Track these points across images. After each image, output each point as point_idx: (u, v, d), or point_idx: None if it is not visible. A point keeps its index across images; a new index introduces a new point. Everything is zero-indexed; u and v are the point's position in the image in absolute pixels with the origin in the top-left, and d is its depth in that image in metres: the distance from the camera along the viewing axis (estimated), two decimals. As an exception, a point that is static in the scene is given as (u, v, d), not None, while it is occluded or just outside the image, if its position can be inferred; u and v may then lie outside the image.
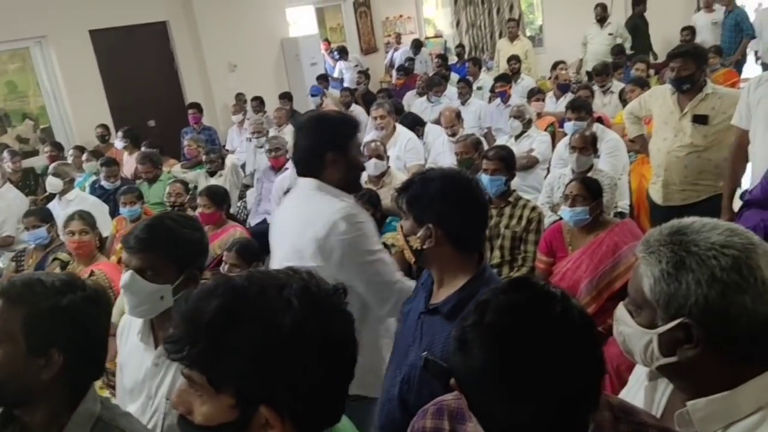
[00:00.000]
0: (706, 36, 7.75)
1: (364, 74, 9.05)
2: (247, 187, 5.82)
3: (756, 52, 8.06)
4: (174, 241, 1.68)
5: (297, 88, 8.89)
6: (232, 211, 4.73)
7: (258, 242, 3.64)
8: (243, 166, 6.19)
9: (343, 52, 10.33)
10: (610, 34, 8.02)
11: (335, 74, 10.19)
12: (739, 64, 7.57)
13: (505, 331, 0.94)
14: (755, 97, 3.14)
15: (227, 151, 6.81)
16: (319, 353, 0.89)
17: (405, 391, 1.65)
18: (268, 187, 5.02)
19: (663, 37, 8.34)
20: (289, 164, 5.02)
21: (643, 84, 5.23)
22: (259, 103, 7.46)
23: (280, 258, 2.20)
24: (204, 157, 5.46)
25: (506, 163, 3.47)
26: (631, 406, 1.13)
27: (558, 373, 0.91)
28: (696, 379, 1.06)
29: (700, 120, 3.34)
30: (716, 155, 3.35)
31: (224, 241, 3.62)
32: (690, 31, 7.81)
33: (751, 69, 8.52)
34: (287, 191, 3.97)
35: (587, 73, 7.50)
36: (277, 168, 5.10)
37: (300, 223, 2.09)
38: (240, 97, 7.80)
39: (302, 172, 2.13)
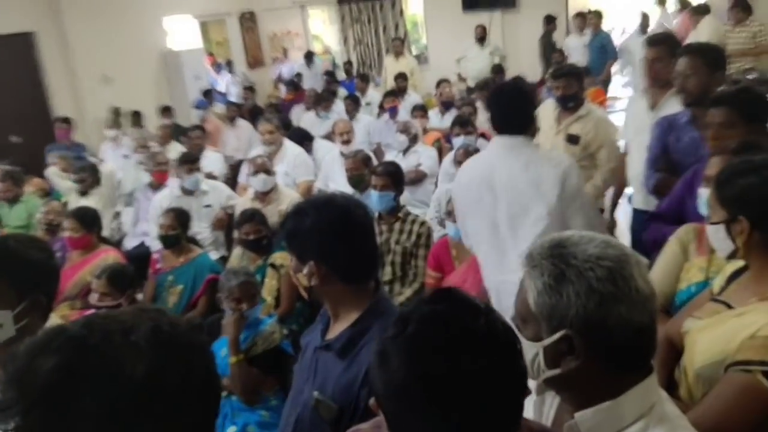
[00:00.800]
0: (578, 57, 8.30)
1: (251, 89, 8.87)
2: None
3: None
4: (15, 263, 1.56)
5: (179, 103, 8.55)
6: (106, 233, 4.39)
7: (134, 267, 3.39)
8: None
9: (228, 66, 10.08)
10: (491, 53, 8.39)
11: (221, 88, 9.92)
12: (606, 84, 8.18)
13: (427, 342, 0.90)
14: (630, 114, 3.41)
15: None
16: (182, 399, 0.79)
17: (299, 431, 1.56)
18: (146, 207, 4.73)
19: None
20: (169, 182, 4.78)
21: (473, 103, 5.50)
22: (137, 117, 7.06)
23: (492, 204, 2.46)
24: (73, 176, 5.06)
25: (395, 178, 3.48)
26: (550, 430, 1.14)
27: (481, 386, 0.87)
28: (581, 391, 1.07)
29: (572, 140, 3.48)
30: (584, 175, 3.36)
31: (95, 267, 3.33)
32: (560, 53, 8.33)
33: (616, 88, 9.25)
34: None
35: (468, 89, 7.78)
36: (157, 185, 4.83)
37: (526, 165, 2.41)
38: (115, 111, 7.36)
39: (509, 130, 2.46)
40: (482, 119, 6.05)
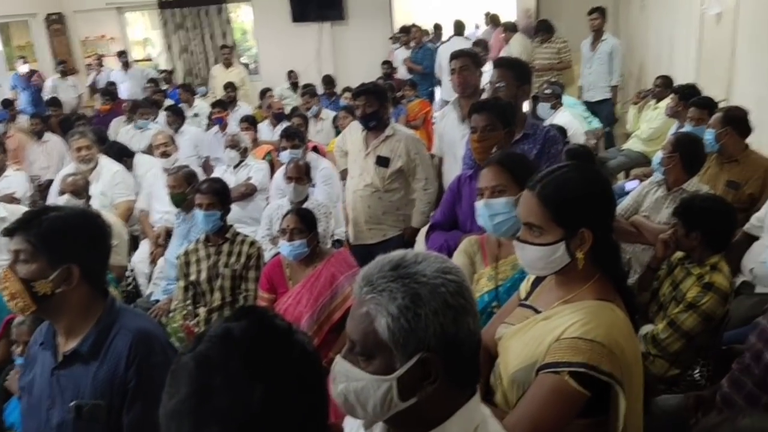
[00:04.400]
0: (404, 70, 8.61)
1: (53, 101, 7.82)
2: None
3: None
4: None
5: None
6: None
7: None
8: None
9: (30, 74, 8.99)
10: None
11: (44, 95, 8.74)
12: (432, 95, 8.55)
13: (210, 359, 0.85)
14: (440, 128, 3.54)
15: None
16: None
17: None
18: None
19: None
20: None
21: (354, 112, 5.46)
22: None
23: None
24: None
25: (220, 196, 3.30)
26: None
27: (278, 405, 0.83)
28: (425, 417, 1.02)
29: (381, 162, 3.43)
30: (396, 196, 3.47)
31: None
32: (389, 65, 8.59)
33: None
34: None
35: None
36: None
37: None
38: None
39: None
40: (312, 131, 6.04)
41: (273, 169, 4.85)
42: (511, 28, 8.27)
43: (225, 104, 6.50)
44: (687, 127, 4.16)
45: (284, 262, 3.04)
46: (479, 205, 2.04)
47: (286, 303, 2.90)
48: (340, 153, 3.96)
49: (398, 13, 9.57)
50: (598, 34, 6.71)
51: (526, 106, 3.71)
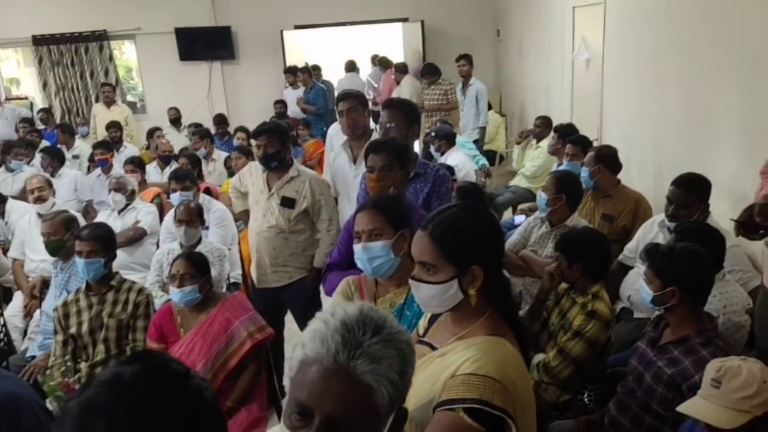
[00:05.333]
0: (296, 109, 8.63)
1: None
2: None
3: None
4: None
5: None
6: None
7: None
8: None
9: None
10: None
11: None
12: (326, 135, 8.58)
13: (95, 405, 0.80)
14: (333, 169, 3.57)
15: None
16: None
17: None
18: None
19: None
20: None
21: (247, 152, 5.39)
22: None
23: None
24: None
25: (104, 242, 3.10)
26: None
27: None
28: None
29: (287, 203, 3.36)
30: (302, 237, 3.42)
31: None
32: (282, 104, 8.58)
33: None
34: None
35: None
36: None
37: None
38: None
39: None
40: (204, 172, 5.88)
41: (162, 212, 4.65)
42: (402, 70, 8.55)
43: (109, 145, 6.16)
44: (565, 163, 4.46)
45: (175, 309, 2.89)
46: (358, 248, 2.08)
47: (178, 352, 2.75)
48: (236, 194, 3.85)
49: (290, 52, 9.62)
50: (466, 79, 7.15)
51: (416, 146, 3.83)
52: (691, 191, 2.93)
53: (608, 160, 3.84)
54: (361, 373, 0.98)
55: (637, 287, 2.45)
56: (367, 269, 2.08)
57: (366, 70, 10.01)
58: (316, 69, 9.23)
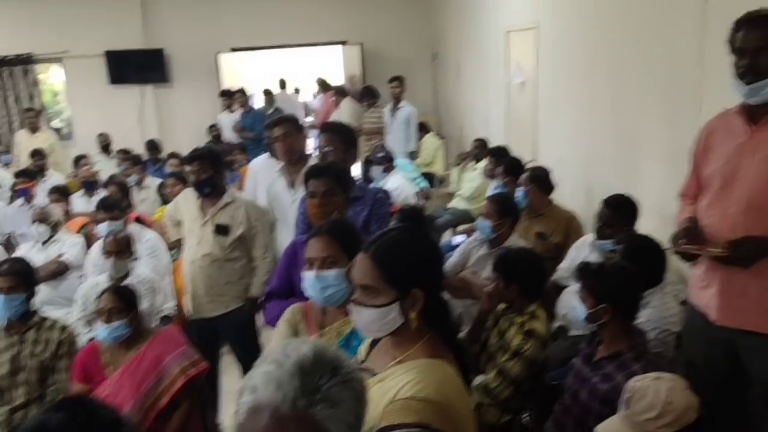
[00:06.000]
0: (230, 134, 8.51)
1: None
2: None
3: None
4: None
5: None
6: None
7: None
8: None
9: None
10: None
11: None
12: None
13: None
14: (272, 194, 3.51)
15: None
16: None
17: None
18: None
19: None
20: None
21: (183, 179, 5.21)
22: None
23: None
24: None
25: (23, 277, 2.95)
26: None
27: None
28: None
29: (221, 230, 3.28)
30: (238, 264, 3.34)
31: None
32: (215, 128, 8.45)
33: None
34: None
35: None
36: None
37: None
38: None
39: None
40: (136, 199, 5.68)
41: (89, 243, 4.45)
42: (341, 92, 8.58)
43: (32, 174, 5.89)
44: (494, 185, 4.59)
45: (101, 346, 2.75)
46: (309, 276, 2.01)
47: (104, 393, 2.60)
48: (171, 222, 3.73)
49: (226, 76, 9.50)
50: (397, 101, 7.15)
51: (355, 169, 3.82)
52: (617, 212, 3.04)
53: (541, 180, 3.96)
54: (320, 419, 0.94)
55: (572, 305, 2.50)
56: (318, 298, 2.01)
57: (309, 92, 10.03)
58: (269, 94, 9.19)
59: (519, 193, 3.90)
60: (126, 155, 6.49)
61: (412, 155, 7.13)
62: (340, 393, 0.96)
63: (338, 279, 1.96)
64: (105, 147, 7.81)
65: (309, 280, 2.01)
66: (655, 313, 2.58)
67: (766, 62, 1.91)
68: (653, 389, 1.86)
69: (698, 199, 2.26)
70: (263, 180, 3.59)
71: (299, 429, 0.94)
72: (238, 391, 1.00)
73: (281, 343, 1.05)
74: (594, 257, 3.15)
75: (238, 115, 8.54)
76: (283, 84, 9.22)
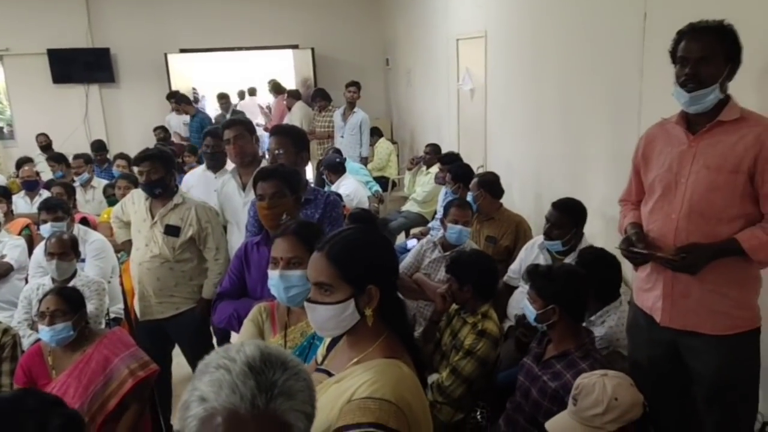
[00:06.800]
0: (181, 134, 8.36)
1: None
2: None
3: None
4: None
5: None
6: None
7: None
8: None
9: None
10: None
11: None
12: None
13: None
14: (223, 196, 3.50)
15: None
16: None
17: None
18: None
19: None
20: None
21: (135, 180, 5.05)
22: None
23: None
24: None
25: (-38, 280, 2.82)
26: None
27: None
28: None
29: (171, 231, 3.23)
30: (188, 266, 3.29)
31: None
32: (163, 130, 8.28)
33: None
34: None
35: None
36: None
37: None
38: None
39: None
40: (81, 200, 5.52)
41: (32, 244, 4.29)
42: (294, 96, 8.53)
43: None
44: (449, 192, 4.66)
45: (45, 349, 2.66)
46: (274, 275, 2.01)
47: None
48: (119, 224, 3.63)
49: (176, 77, 9.31)
50: (351, 105, 7.19)
51: (308, 172, 3.81)
52: (566, 214, 3.14)
53: (489, 185, 4.05)
54: (281, 413, 0.94)
55: (522, 306, 2.56)
56: (282, 297, 2.01)
57: (261, 96, 9.94)
58: (224, 98, 9.06)
59: (469, 197, 3.98)
60: (59, 159, 6.29)
61: (365, 161, 7.16)
62: (294, 385, 0.96)
63: (302, 280, 1.96)
64: (44, 147, 7.55)
65: (273, 279, 2.01)
66: (609, 333, 2.66)
67: (707, 72, 1.99)
68: (600, 386, 1.92)
69: (640, 204, 2.35)
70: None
71: (263, 426, 0.93)
72: (180, 408, 0.96)
73: (216, 352, 1.02)
74: (543, 259, 3.24)
75: (187, 118, 8.40)
76: (242, 95, 9.14)
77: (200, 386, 0.96)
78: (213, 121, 8.35)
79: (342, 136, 7.16)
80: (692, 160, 2.10)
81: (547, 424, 2.02)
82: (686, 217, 2.10)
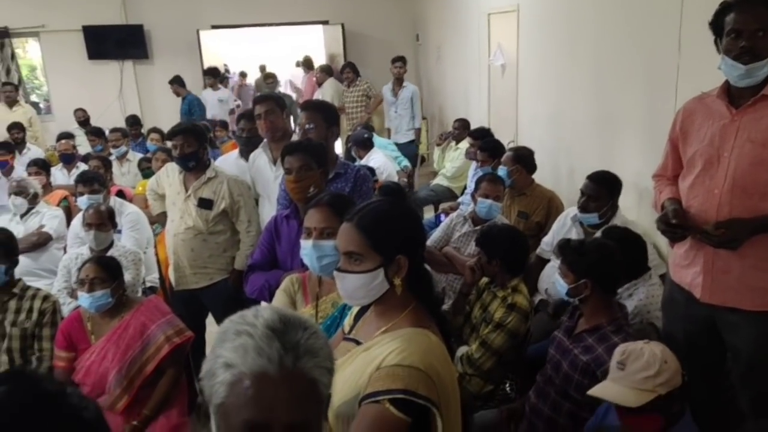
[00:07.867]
0: (216, 111, 8.43)
1: None
2: None
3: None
4: None
5: None
6: None
7: None
8: None
9: None
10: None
11: None
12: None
13: None
14: (252, 170, 3.53)
15: None
16: None
17: None
18: None
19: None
20: None
21: (170, 153, 5.12)
22: None
23: None
24: None
25: (4, 248, 2.92)
26: None
27: None
28: None
29: (204, 204, 3.29)
30: (222, 238, 3.35)
31: None
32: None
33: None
34: None
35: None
36: None
37: None
38: None
39: None
40: (117, 173, 5.63)
41: (70, 215, 4.41)
42: (326, 71, 8.53)
43: (9, 146, 5.79)
44: (473, 167, 4.63)
45: (85, 315, 2.75)
46: (307, 244, 2.03)
47: (89, 360, 2.61)
48: (153, 196, 3.71)
49: (207, 53, 9.37)
50: (399, 81, 7.19)
51: (338, 147, 3.81)
52: (603, 186, 3.10)
53: (525, 160, 4.00)
54: (308, 370, 0.96)
55: (553, 280, 2.55)
56: (314, 267, 2.03)
57: (285, 72, 9.95)
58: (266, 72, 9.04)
59: (502, 172, 3.94)
60: (98, 133, 6.43)
61: (418, 132, 7.23)
62: (315, 343, 0.98)
63: (335, 250, 1.96)
64: (83, 122, 7.70)
65: (306, 249, 2.03)
66: (639, 306, 2.64)
67: (764, 44, 1.93)
68: (648, 350, 1.89)
69: (678, 179, 2.30)
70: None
71: (294, 385, 0.95)
72: (205, 376, 0.98)
73: (230, 320, 1.02)
74: (575, 232, 3.21)
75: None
76: (263, 69, 9.15)
77: (223, 353, 0.97)
78: (203, 103, 8.29)
79: (396, 111, 7.20)
80: (735, 134, 2.05)
81: (593, 391, 1.98)
82: (729, 191, 2.06)
